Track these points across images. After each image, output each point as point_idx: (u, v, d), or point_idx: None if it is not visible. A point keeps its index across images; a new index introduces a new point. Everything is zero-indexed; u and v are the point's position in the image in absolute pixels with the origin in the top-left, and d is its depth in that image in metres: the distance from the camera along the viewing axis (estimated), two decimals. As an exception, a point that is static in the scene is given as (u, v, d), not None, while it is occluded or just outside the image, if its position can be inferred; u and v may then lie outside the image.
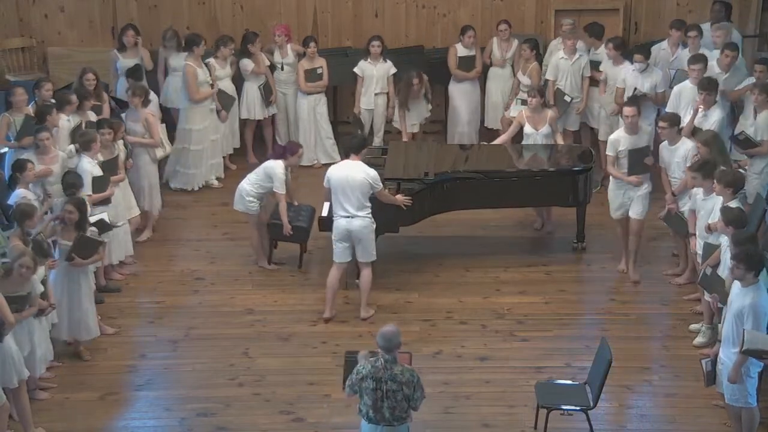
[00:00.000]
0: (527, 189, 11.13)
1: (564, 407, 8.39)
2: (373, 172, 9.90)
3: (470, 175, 11.02)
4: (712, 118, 10.74)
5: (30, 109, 11.18)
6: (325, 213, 10.60)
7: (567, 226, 11.53)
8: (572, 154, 11.63)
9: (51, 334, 9.27)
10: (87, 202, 9.65)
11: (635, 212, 10.56)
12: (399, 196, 10.39)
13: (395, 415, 7.23)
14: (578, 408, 8.36)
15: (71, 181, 9.82)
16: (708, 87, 10.81)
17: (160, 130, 11.81)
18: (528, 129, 11.50)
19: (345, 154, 10.17)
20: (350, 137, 10.41)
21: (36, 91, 11.50)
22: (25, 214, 9.02)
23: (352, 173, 9.82)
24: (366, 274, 10.09)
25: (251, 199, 10.92)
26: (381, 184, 9.96)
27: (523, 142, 11.63)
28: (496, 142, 11.90)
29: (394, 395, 7.18)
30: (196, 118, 12.79)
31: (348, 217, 9.85)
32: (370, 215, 9.91)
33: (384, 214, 10.16)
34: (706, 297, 9.34)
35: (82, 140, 10.42)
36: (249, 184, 10.97)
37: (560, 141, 11.69)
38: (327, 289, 10.13)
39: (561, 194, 11.23)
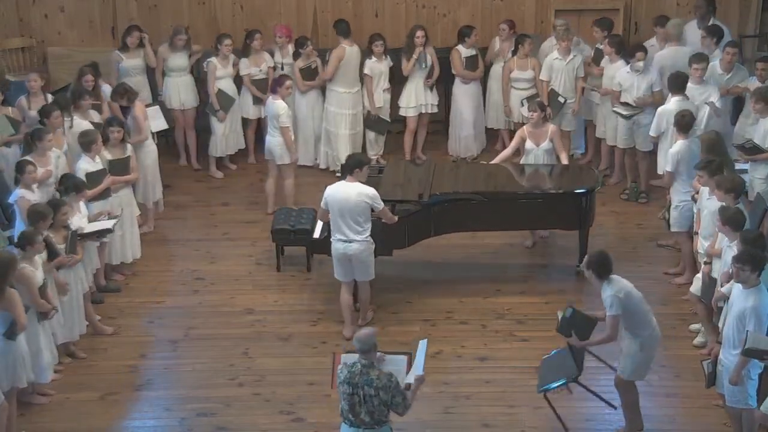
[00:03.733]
0: (528, 211, 10.65)
1: (555, 384, 8.32)
2: (371, 192, 9.54)
3: (467, 196, 10.55)
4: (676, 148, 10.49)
5: (9, 110, 11.23)
6: (317, 235, 10.44)
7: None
8: (575, 174, 11.18)
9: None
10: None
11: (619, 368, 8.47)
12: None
13: (375, 418, 7.21)
14: (566, 380, 8.32)
15: (73, 182, 9.80)
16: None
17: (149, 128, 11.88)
18: (529, 144, 11.10)
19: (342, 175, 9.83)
20: (347, 157, 9.97)
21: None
22: (39, 216, 9.02)
23: (348, 195, 9.47)
24: (364, 289, 9.92)
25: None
26: (381, 202, 9.60)
27: (524, 158, 11.22)
28: (498, 158, 11.40)
29: (371, 400, 7.14)
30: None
31: (345, 241, 9.57)
32: (368, 238, 9.61)
33: (377, 237, 9.74)
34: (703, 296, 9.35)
35: (82, 141, 10.46)
36: (275, 137, 11.85)
37: (564, 159, 11.17)
38: (342, 308, 9.92)
39: (563, 217, 10.70)
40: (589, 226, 10.72)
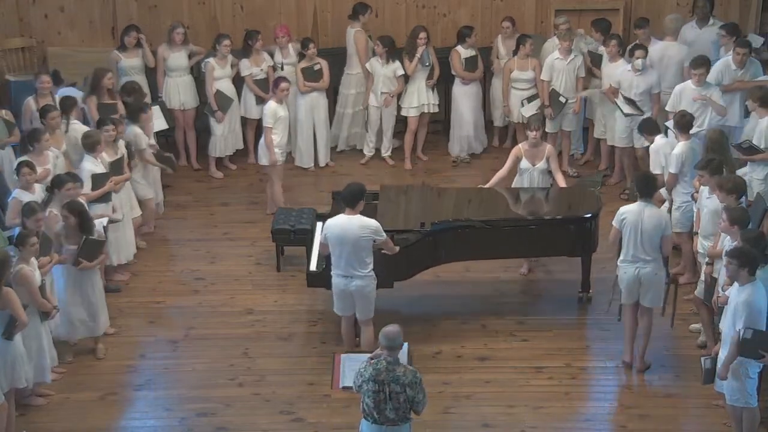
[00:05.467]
0: (531, 239, 10.14)
1: None
2: (374, 225, 8.95)
3: (470, 223, 10.01)
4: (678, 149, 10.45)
5: (2, 112, 11.25)
6: (313, 267, 9.77)
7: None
8: (577, 198, 10.75)
9: (65, 337, 9.50)
10: (84, 204, 9.61)
11: (648, 299, 9.29)
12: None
13: (399, 415, 7.25)
14: None
15: (54, 180, 9.74)
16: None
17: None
18: (524, 164, 10.65)
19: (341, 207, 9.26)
20: (346, 188, 9.16)
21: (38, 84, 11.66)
22: (32, 212, 8.99)
23: (350, 230, 8.88)
24: (367, 333, 9.25)
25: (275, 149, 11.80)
26: (383, 234, 9.01)
27: (518, 177, 10.76)
28: (494, 179, 10.78)
29: (397, 397, 7.19)
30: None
31: (346, 277, 9.03)
32: (370, 273, 9.05)
33: (377, 269, 9.16)
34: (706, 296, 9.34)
35: (86, 141, 10.45)
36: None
37: (561, 181, 10.71)
38: (344, 340, 9.48)
39: (567, 244, 10.23)
40: (592, 252, 10.31)
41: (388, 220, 9.76)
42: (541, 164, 10.67)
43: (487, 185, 10.83)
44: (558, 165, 10.90)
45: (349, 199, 8.99)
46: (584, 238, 10.23)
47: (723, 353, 8.08)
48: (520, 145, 10.92)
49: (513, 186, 10.84)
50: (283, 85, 11.95)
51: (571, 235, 10.23)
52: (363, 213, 9.08)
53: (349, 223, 8.94)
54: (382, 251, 9.24)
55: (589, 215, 10.22)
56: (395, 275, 9.66)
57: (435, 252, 9.92)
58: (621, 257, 9.26)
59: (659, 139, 10.84)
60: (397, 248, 9.37)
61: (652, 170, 10.95)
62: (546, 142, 11.04)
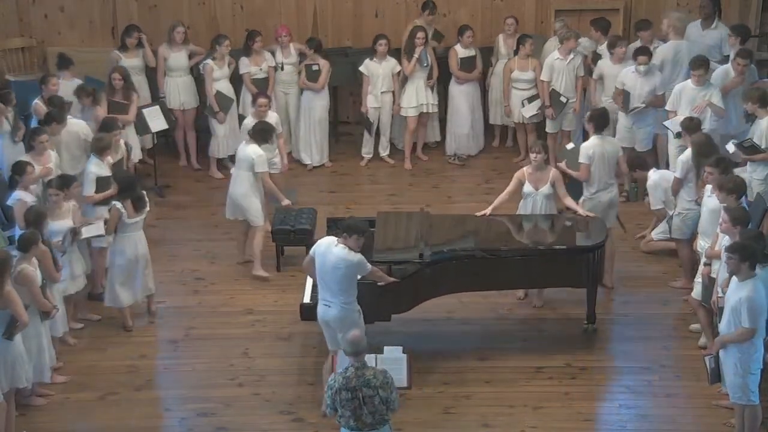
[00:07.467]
0: (535, 269, 9.62)
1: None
2: (354, 260, 8.40)
3: (471, 253, 9.52)
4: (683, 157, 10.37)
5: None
6: (307, 299, 9.24)
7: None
8: (582, 227, 10.13)
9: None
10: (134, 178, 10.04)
11: (610, 220, 10.44)
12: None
13: (377, 418, 7.23)
14: None
15: (58, 181, 9.72)
16: None
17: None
18: (527, 188, 10.13)
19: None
20: (350, 218, 9.12)
21: (42, 86, 11.66)
22: (40, 216, 9.00)
23: (328, 255, 8.47)
24: None
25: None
26: (368, 267, 8.56)
27: (522, 203, 10.26)
28: (496, 202, 10.33)
29: (371, 400, 7.16)
30: None
31: (325, 304, 8.58)
32: (350, 304, 8.53)
33: (374, 301, 8.83)
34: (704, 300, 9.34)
35: (97, 145, 10.43)
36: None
37: (572, 204, 10.21)
38: (323, 377, 8.81)
39: (573, 274, 9.66)
40: (598, 282, 9.88)
41: (385, 250, 9.42)
42: (545, 189, 10.13)
43: (488, 210, 10.29)
44: (565, 190, 10.25)
45: (345, 228, 8.58)
46: (590, 268, 9.67)
47: (721, 351, 8.11)
48: (523, 168, 10.37)
49: (518, 211, 10.34)
50: (261, 101, 11.54)
51: (576, 265, 9.68)
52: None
53: (331, 249, 8.51)
54: (378, 283, 8.90)
55: (595, 245, 9.71)
56: (393, 308, 9.21)
57: (434, 283, 9.41)
58: (593, 190, 10.31)
59: (653, 174, 10.63)
60: (392, 279, 8.95)
61: (652, 207, 10.76)
62: (551, 166, 10.51)
